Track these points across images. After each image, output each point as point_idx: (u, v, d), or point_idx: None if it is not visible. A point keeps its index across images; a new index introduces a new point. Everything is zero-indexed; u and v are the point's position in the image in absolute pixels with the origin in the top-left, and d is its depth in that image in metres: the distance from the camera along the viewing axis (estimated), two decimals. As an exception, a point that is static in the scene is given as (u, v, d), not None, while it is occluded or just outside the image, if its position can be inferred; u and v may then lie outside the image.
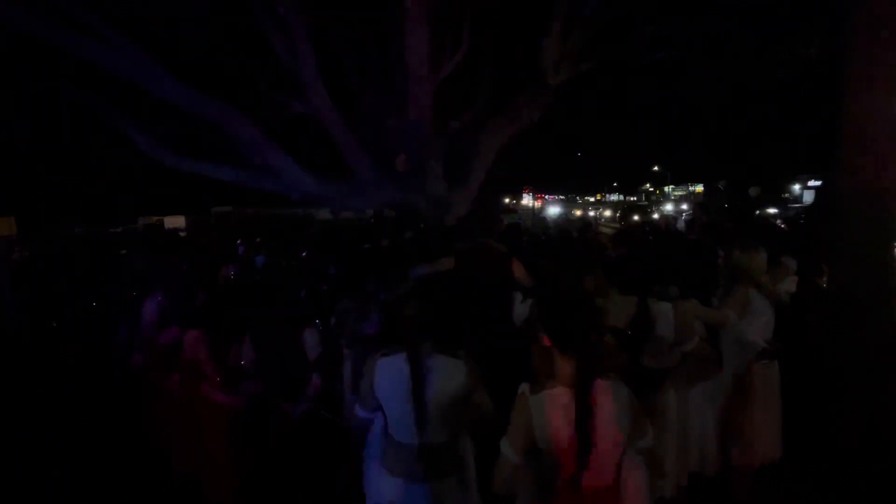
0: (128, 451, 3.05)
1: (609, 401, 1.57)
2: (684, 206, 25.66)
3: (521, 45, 9.61)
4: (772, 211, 18.93)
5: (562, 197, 53.64)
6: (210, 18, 7.88)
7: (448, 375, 1.83)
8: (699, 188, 53.69)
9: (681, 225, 12.37)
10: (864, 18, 3.02)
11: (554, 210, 26.10)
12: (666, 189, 57.27)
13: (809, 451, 3.11)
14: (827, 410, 3.26)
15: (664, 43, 9.01)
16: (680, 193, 53.61)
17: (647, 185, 62.97)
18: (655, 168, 54.36)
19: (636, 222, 14.53)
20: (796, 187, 33.72)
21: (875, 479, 2.94)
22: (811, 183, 30.53)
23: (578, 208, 32.06)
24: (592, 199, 64.49)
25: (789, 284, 3.40)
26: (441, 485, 1.88)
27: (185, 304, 2.97)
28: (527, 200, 29.66)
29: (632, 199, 64.11)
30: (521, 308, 2.82)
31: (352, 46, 9.23)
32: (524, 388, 1.67)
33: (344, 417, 2.30)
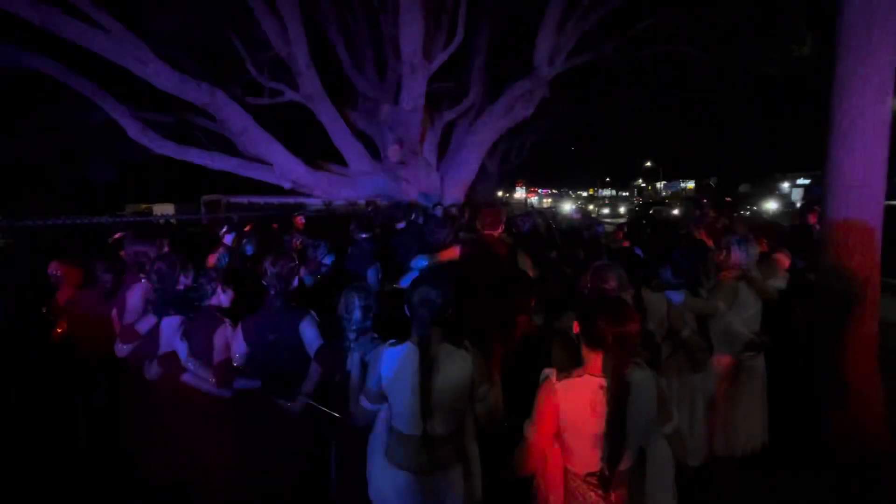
0: (115, 449, 2.96)
1: (638, 389, 1.59)
2: (705, 201, 25.47)
3: (515, 38, 9.56)
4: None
5: (554, 191, 53.66)
6: (202, 2, 7.73)
7: (455, 365, 1.82)
8: (690, 184, 54.06)
9: None
10: (856, 18, 3.02)
11: (568, 206, 25.37)
12: (658, 185, 57.38)
13: (794, 441, 3.16)
14: (813, 402, 3.32)
15: (658, 37, 9.01)
16: (671, 190, 53.93)
17: (640, 180, 63.13)
18: (648, 163, 54.46)
19: (639, 217, 14.39)
20: (786, 185, 34.02)
21: (858, 469, 3.00)
22: (800, 181, 30.85)
23: (572, 203, 31.94)
24: (585, 194, 64.67)
25: (781, 280, 3.44)
26: (445, 476, 1.85)
27: (166, 290, 2.80)
28: (520, 194, 29.59)
29: (624, 193, 64.40)
30: None
31: (346, 35, 9.12)
32: (549, 373, 1.68)
33: (344, 412, 2.24)
